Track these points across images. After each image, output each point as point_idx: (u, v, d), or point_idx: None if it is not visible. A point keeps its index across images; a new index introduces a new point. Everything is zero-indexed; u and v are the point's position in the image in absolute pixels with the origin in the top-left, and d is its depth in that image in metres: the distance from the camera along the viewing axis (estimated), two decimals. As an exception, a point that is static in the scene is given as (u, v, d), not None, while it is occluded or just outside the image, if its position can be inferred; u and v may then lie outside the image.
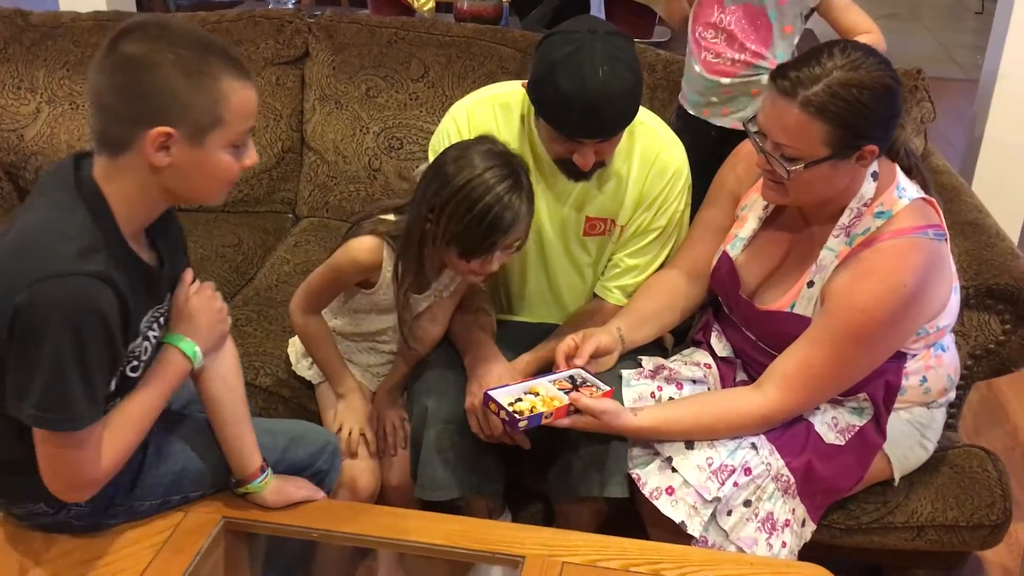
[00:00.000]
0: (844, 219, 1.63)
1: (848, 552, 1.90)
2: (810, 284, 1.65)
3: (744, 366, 1.82)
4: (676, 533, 1.60)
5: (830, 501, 1.71)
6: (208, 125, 1.30)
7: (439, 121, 1.90)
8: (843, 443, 1.69)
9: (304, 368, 1.95)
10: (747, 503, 1.62)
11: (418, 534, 1.53)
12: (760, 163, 1.62)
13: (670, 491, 1.61)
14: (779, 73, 1.54)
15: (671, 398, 1.74)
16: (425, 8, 2.82)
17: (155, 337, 1.44)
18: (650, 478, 1.64)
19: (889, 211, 1.60)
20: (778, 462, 1.64)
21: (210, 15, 2.64)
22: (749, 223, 1.77)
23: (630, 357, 1.82)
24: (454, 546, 1.51)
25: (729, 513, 1.61)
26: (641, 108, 1.74)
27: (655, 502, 1.60)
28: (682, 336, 2.00)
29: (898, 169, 1.66)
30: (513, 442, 1.76)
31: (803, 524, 1.67)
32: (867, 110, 1.51)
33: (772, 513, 1.62)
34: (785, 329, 1.67)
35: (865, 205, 1.62)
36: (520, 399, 1.65)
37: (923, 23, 6.46)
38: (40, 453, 1.34)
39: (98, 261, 1.27)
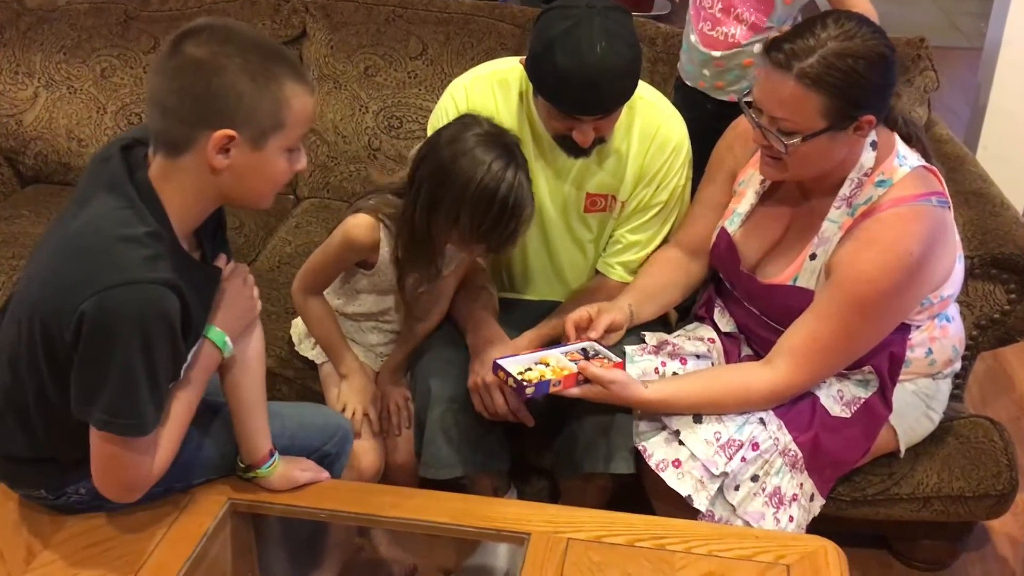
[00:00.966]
0: (845, 190, 1.61)
1: (854, 524, 1.91)
2: (812, 257, 1.64)
3: (748, 341, 1.81)
4: (681, 507, 1.60)
5: (838, 475, 1.71)
6: (269, 129, 1.30)
7: (439, 99, 1.88)
8: (849, 416, 1.69)
9: (307, 349, 1.95)
10: (755, 478, 1.61)
11: (423, 513, 1.53)
12: (757, 138, 1.61)
13: (677, 464, 1.61)
14: (773, 46, 1.52)
15: (675, 373, 1.73)
16: (423, -15, 2.80)
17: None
18: (656, 450, 1.63)
19: (890, 180, 1.59)
20: (786, 437, 1.64)
21: (206, -4, 2.62)
22: (747, 198, 1.76)
23: (633, 333, 1.81)
24: (459, 524, 1.51)
25: (737, 488, 1.61)
26: (640, 83, 1.73)
27: (661, 474, 1.60)
28: (686, 312, 2.00)
29: (897, 138, 1.65)
30: (517, 420, 1.76)
31: (811, 499, 1.67)
32: (863, 79, 1.49)
33: (780, 488, 1.62)
34: (789, 302, 1.66)
35: (866, 175, 1.60)
36: (530, 368, 1.64)
37: (926, -9, 6.40)
38: (99, 455, 1.35)
39: (164, 268, 1.28)
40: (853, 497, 1.84)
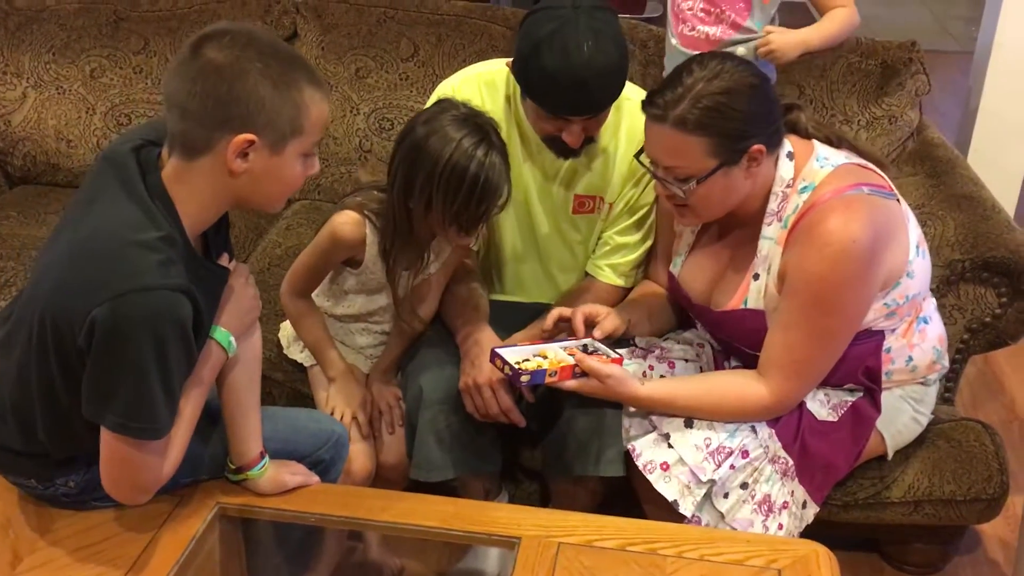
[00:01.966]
0: (772, 205, 1.63)
1: (846, 528, 1.91)
2: (756, 277, 1.65)
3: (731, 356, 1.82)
4: (672, 511, 1.60)
5: (831, 481, 1.71)
6: (289, 134, 1.32)
7: (429, 101, 1.88)
8: (836, 419, 1.69)
9: (296, 351, 1.94)
10: (744, 485, 1.61)
11: (413, 517, 1.53)
12: (660, 191, 1.65)
13: (664, 467, 1.61)
14: (648, 102, 1.57)
15: (662, 376, 1.73)
16: (414, -14, 2.80)
17: None
18: (645, 450, 1.63)
19: (812, 183, 1.60)
20: (776, 444, 1.64)
21: (197, -4, 2.61)
22: (684, 238, 1.80)
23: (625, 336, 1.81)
24: (450, 528, 1.51)
25: (725, 496, 1.60)
26: (628, 83, 1.73)
27: (648, 476, 1.60)
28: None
29: (817, 143, 1.66)
30: (509, 421, 1.75)
31: (804, 506, 1.66)
32: (737, 112, 1.52)
33: (769, 495, 1.62)
34: (745, 325, 1.67)
35: (788, 186, 1.61)
36: (527, 359, 1.64)
37: (918, -5, 6.42)
38: (112, 457, 1.36)
39: (177, 273, 1.29)
40: (844, 501, 1.84)
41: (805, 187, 1.60)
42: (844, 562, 1.46)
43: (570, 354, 1.65)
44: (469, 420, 1.76)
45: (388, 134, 2.48)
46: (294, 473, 1.58)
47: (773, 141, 1.60)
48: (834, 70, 2.32)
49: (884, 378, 1.71)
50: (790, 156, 1.62)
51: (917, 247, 1.66)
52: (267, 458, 1.54)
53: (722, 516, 1.60)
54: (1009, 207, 2.62)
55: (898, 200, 1.64)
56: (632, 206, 1.86)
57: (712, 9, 1.96)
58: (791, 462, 1.64)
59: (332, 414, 1.80)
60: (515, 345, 1.71)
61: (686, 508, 1.59)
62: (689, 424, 1.63)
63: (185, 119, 1.30)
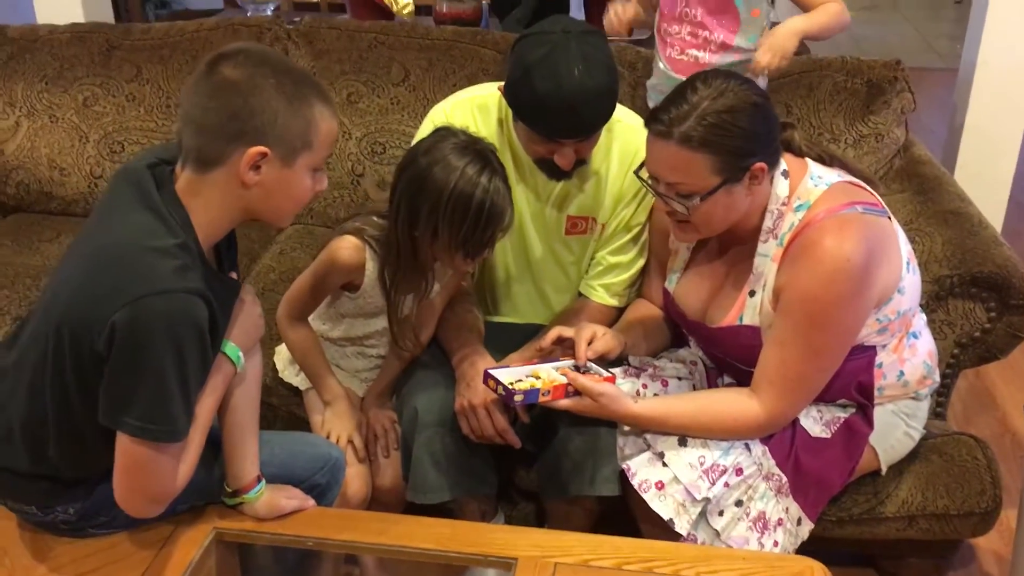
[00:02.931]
0: (768, 223, 1.64)
1: (841, 543, 1.91)
2: (752, 293, 1.66)
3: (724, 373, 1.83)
4: (667, 530, 1.60)
5: (825, 497, 1.71)
6: (299, 148, 1.36)
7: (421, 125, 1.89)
8: (830, 436, 1.69)
9: (291, 375, 1.95)
10: (739, 503, 1.62)
11: (409, 539, 1.53)
12: (660, 207, 1.66)
13: (660, 486, 1.61)
14: (652, 118, 1.58)
15: (655, 395, 1.74)
16: (404, 11, 2.81)
17: None
18: (640, 469, 1.64)
19: (807, 202, 1.62)
20: (769, 461, 1.64)
21: (188, 24, 2.63)
22: (680, 255, 1.81)
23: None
24: (446, 550, 1.51)
25: (721, 514, 1.61)
26: (618, 105, 1.75)
27: (643, 495, 1.61)
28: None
29: (810, 162, 1.68)
30: (504, 441, 1.76)
31: (799, 523, 1.67)
32: (742, 130, 1.54)
33: (764, 513, 1.62)
34: (741, 341, 1.68)
35: (783, 204, 1.63)
36: (520, 380, 1.65)
37: (902, 13, 6.49)
38: (128, 465, 1.37)
39: (194, 278, 1.32)
40: (839, 517, 1.84)
41: (800, 205, 1.62)
42: (840, 577, 1.47)
43: (563, 373, 1.66)
44: (465, 441, 1.76)
45: (380, 158, 2.49)
46: (290, 497, 1.58)
47: (773, 159, 1.62)
48: (820, 89, 2.34)
49: (876, 393, 1.72)
50: (785, 174, 1.64)
51: (908, 263, 1.68)
52: (263, 482, 1.55)
53: (717, 534, 1.61)
54: (996, 222, 2.64)
55: (889, 217, 1.66)
56: (624, 226, 1.88)
57: (699, 32, 1.98)
58: (785, 479, 1.65)
59: (328, 438, 1.80)
60: (508, 366, 1.72)
61: (681, 527, 1.59)
62: (683, 442, 1.64)
63: (200, 133, 1.34)
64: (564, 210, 1.86)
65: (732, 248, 1.73)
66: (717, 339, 1.73)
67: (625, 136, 1.84)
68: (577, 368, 1.69)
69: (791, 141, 1.69)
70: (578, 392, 1.63)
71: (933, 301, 1.96)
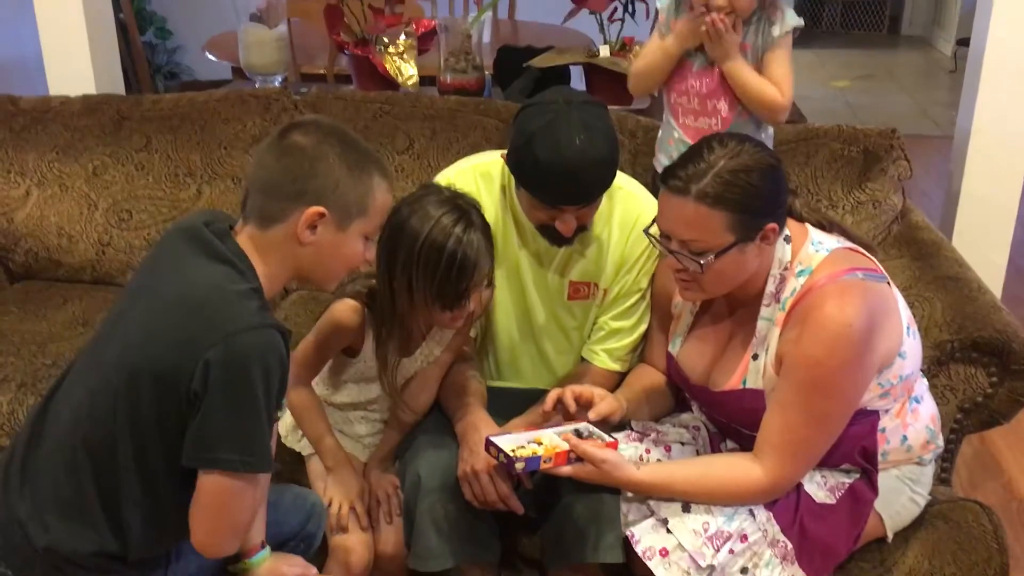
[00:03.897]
0: (770, 287, 1.66)
1: (847, 611, 1.88)
2: (755, 357, 1.67)
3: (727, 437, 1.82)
4: (672, 597, 1.59)
5: (831, 564, 1.69)
6: (355, 214, 1.46)
7: (424, 192, 1.92)
8: (834, 501, 1.69)
9: (294, 441, 1.94)
10: (744, 570, 1.60)
11: (412, 607, 1.52)
12: (671, 264, 1.66)
13: (664, 553, 1.60)
14: (668, 175, 1.60)
15: (659, 460, 1.74)
16: (409, 82, 2.87)
17: None
18: (644, 536, 1.62)
19: (808, 267, 1.63)
20: (774, 528, 1.63)
21: (197, 95, 2.68)
22: (683, 319, 1.82)
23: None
24: (448, 618, 1.50)
25: (726, 581, 1.60)
26: (619, 173, 1.78)
27: (648, 562, 1.59)
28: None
29: (810, 227, 1.70)
30: (507, 508, 1.75)
31: (804, 590, 1.65)
32: (758, 190, 1.57)
33: (769, 580, 1.61)
34: (744, 405, 1.68)
35: (785, 269, 1.65)
36: (523, 446, 1.64)
37: (898, 82, 6.60)
38: (213, 504, 1.39)
39: (273, 318, 1.39)
40: (845, 584, 1.82)
41: (802, 271, 1.63)
42: (847, 646, 1.45)
43: (565, 439, 1.66)
44: (467, 508, 1.75)
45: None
46: (292, 565, 1.57)
47: (783, 221, 1.64)
48: (817, 157, 2.38)
49: (880, 459, 1.71)
50: (787, 239, 1.66)
51: (908, 328, 1.69)
52: (268, 548, 1.54)
53: (722, 601, 1.59)
54: (995, 288, 2.65)
55: (888, 283, 1.68)
56: (627, 292, 1.89)
57: (709, 100, 2.04)
58: (790, 545, 1.64)
59: (330, 505, 1.79)
60: (510, 432, 1.72)
61: (686, 595, 1.57)
62: (687, 508, 1.63)
63: (266, 192, 1.43)
64: (566, 275, 1.88)
65: (735, 312, 1.74)
66: (721, 403, 1.74)
67: (626, 203, 1.87)
68: (579, 433, 1.69)
69: (791, 207, 1.71)
70: (580, 458, 1.63)
71: (934, 366, 1.97)
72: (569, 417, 1.74)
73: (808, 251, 1.65)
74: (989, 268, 2.60)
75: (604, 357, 1.92)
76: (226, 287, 1.38)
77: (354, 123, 2.56)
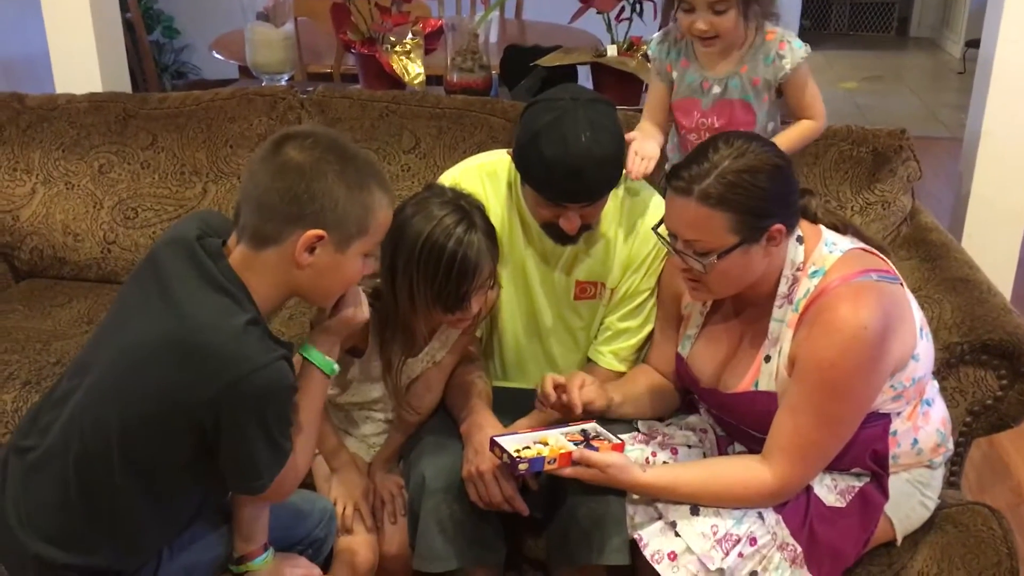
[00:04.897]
0: (783, 288, 1.65)
1: (855, 616, 1.87)
2: (767, 359, 1.66)
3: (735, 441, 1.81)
4: (679, 601, 1.57)
5: (840, 568, 1.68)
6: (355, 234, 1.40)
7: (431, 191, 1.91)
8: (844, 505, 1.67)
9: (299, 441, 1.94)
10: (753, 574, 1.59)
11: (416, 608, 1.51)
12: (677, 264, 1.66)
13: (672, 556, 1.59)
14: (672, 175, 1.59)
15: (665, 463, 1.73)
16: (416, 81, 2.87)
17: None
18: (652, 540, 1.61)
19: (822, 268, 1.62)
20: (784, 531, 1.62)
21: (204, 94, 2.68)
22: (693, 320, 1.81)
23: (627, 421, 1.81)
24: (453, 620, 1.49)
25: (735, 584, 1.59)
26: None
27: (656, 566, 1.58)
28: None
29: (824, 228, 1.69)
30: (512, 509, 1.74)
31: (813, 594, 1.64)
32: (761, 191, 1.55)
33: (779, 583, 1.60)
34: (756, 407, 1.67)
35: (798, 270, 1.64)
36: (527, 447, 1.63)
37: (907, 84, 6.58)
38: (269, 495, 1.46)
39: (273, 346, 1.36)
40: (854, 588, 1.81)
41: (815, 271, 1.62)
42: (855, 651, 1.44)
43: (571, 440, 1.65)
44: (472, 509, 1.74)
45: (390, 224, 2.51)
46: (295, 566, 1.56)
47: (792, 223, 1.62)
48: (826, 157, 2.37)
49: (891, 462, 1.70)
50: (800, 240, 1.65)
51: (921, 329, 1.68)
52: (271, 549, 1.53)
53: (731, 605, 1.58)
54: (1005, 290, 2.64)
55: (902, 284, 1.67)
56: (633, 292, 1.89)
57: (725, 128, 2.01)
58: (799, 549, 1.62)
59: (335, 505, 1.79)
60: (515, 432, 1.71)
61: (695, 598, 1.56)
62: (695, 511, 1.62)
63: (260, 211, 1.37)
64: (572, 275, 1.87)
65: (746, 312, 1.72)
66: (732, 405, 1.72)
67: (632, 202, 1.86)
68: (586, 433, 1.68)
69: (807, 207, 1.69)
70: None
71: (944, 368, 1.95)
72: (562, 411, 1.72)
73: (822, 252, 1.64)
74: (999, 270, 2.59)
75: (610, 358, 1.91)
76: (224, 326, 1.33)
77: (360, 122, 2.56)
